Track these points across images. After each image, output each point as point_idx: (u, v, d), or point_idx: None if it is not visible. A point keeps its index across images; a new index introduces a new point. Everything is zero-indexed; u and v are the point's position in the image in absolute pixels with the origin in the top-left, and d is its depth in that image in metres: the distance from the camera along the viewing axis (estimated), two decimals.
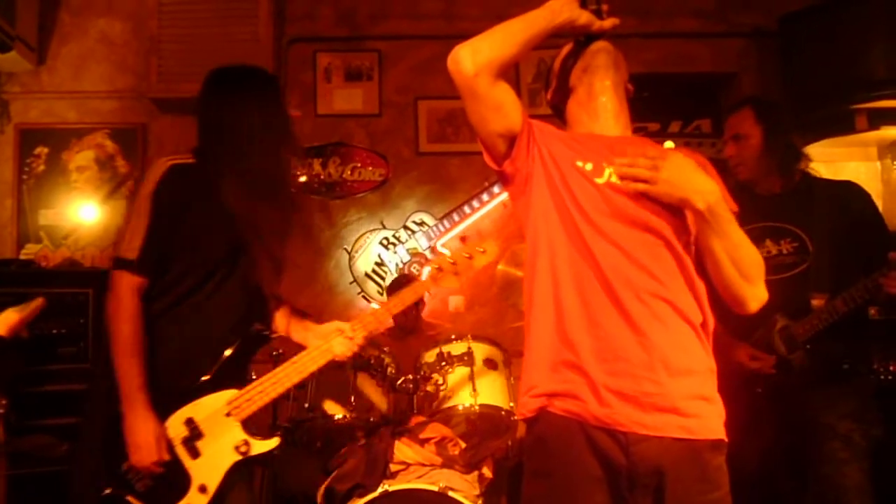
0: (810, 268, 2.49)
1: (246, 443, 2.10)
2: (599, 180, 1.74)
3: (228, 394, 2.11)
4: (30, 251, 4.46)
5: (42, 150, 4.66)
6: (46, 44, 4.73)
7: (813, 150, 3.01)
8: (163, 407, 2.06)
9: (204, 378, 2.11)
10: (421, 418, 3.01)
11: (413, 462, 2.82)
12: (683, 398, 1.58)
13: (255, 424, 2.16)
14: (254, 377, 2.20)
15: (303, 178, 4.74)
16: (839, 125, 4.12)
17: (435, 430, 2.92)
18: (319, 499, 2.91)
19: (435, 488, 2.60)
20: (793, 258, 2.53)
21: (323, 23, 4.85)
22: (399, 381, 3.16)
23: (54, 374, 3.36)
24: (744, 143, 2.65)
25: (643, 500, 1.57)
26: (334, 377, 3.06)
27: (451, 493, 2.59)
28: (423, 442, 2.87)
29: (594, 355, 1.61)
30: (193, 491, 2.06)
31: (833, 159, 4.62)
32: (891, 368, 3.33)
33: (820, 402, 2.42)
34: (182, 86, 4.46)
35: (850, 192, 2.62)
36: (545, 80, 2.04)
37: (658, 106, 4.93)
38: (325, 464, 3.03)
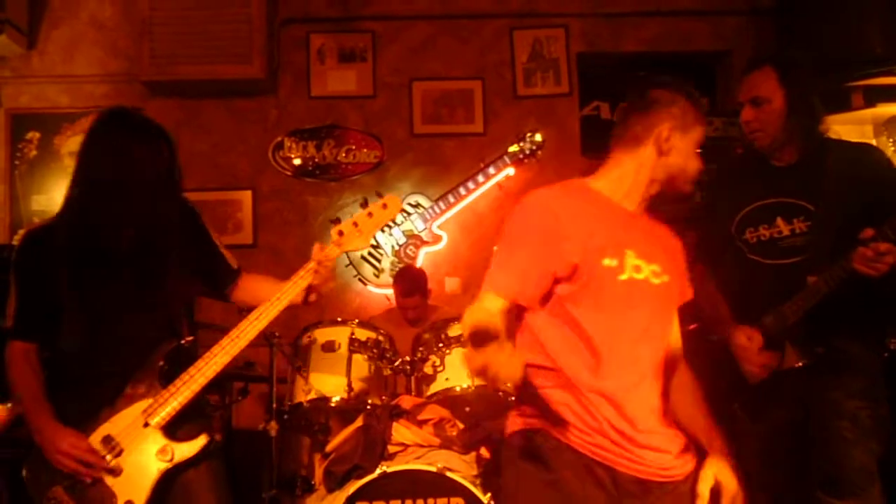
0: (816, 244, 2.34)
1: (168, 448, 2.05)
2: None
3: (142, 404, 2.07)
4: None
5: (34, 135, 4.63)
6: (37, 27, 4.68)
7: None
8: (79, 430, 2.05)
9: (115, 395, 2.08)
10: (419, 400, 3.01)
11: (411, 443, 2.82)
12: None
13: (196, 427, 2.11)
14: None
15: (297, 161, 4.72)
16: (835, 102, 4.10)
17: (433, 412, 2.92)
18: (317, 480, 2.92)
19: (433, 469, 2.60)
20: (804, 238, 2.37)
21: (316, 3, 4.81)
22: (396, 363, 3.16)
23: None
24: (765, 108, 2.38)
25: None
26: (331, 360, 3.06)
27: (448, 474, 2.60)
28: (420, 423, 2.87)
29: None
30: None
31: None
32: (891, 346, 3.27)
33: (827, 379, 2.33)
34: (174, 68, 4.44)
35: (867, 158, 2.44)
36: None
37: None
38: (323, 446, 3.04)
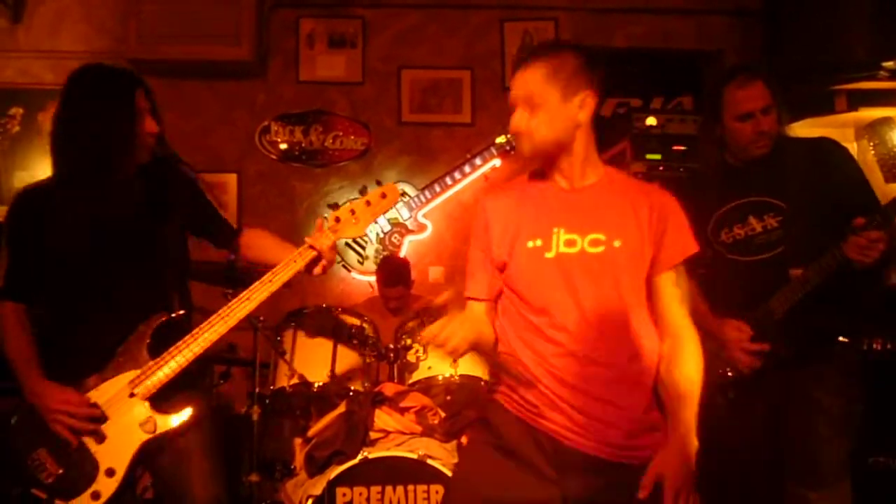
0: (791, 238, 2.43)
1: (151, 420, 2.07)
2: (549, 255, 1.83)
3: (130, 374, 2.08)
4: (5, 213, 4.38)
5: (17, 111, 4.58)
6: (22, 2, 4.62)
7: (791, 130, 2.97)
8: None
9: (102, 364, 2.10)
10: (401, 387, 3.03)
11: (393, 430, 2.83)
12: None
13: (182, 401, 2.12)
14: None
15: (283, 146, 4.71)
16: (819, 105, 4.15)
17: (415, 400, 2.94)
18: (298, 465, 2.93)
19: (414, 456, 2.61)
20: (777, 234, 2.46)
21: None
22: (380, 351, 3.18)
23: None
24: (772, 117, 2.47)
25: None
26: (315, 345, 3.08)
27: (429, 461, 2.61)
28: (402, 411, 2.89)
29: None
30: (101, 476, 2.05)
31: None
32: (875, 347, 3.34)
33: (805, 376, 2.39)
34: (161, 48, 4.40)
35: (826, 151, 2.52)
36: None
37: (640, 81, 4.94)
38: (304, 431, 3.04)
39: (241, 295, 2.17)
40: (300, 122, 4.73)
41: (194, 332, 2.12)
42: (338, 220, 2.26)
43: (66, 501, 2.03)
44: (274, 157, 4.72)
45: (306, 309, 3.20)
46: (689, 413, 1.78)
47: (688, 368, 1.82)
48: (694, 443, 1.76)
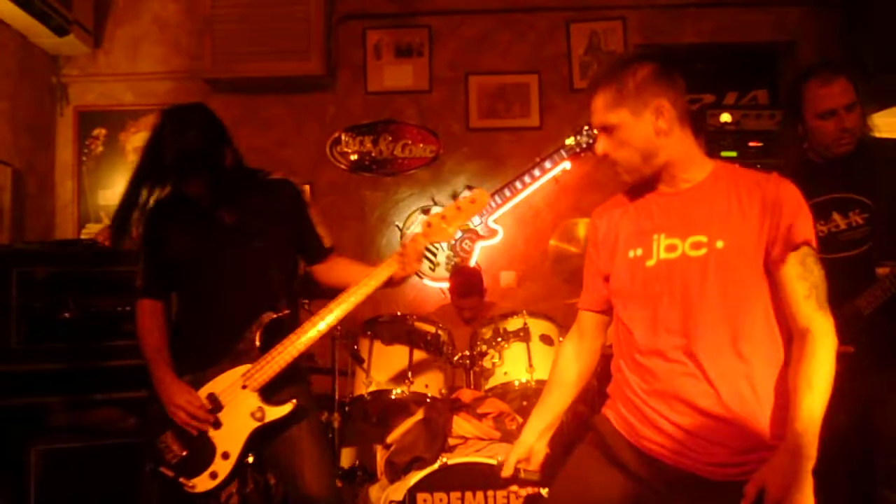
0: (878, 235, 2.37)
1: (261, 409, 2.26)
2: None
3: (243, 368, 2.28)
4: (90, 230, 4.57)
5: (100, 132, 4.77)
6: (102, 27, 4.81)
7: (874, 119, 2.88)
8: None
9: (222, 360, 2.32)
10: (478, 393, 3.02)
11: (471, 436, 2.84)
12: None
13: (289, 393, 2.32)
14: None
15: (354, 157, 4.77)
16: None
17: (492, 406, 2.94)
18: (379, 470, 2.95)
19: (493, 462, 2.62)
20: (864, 231, 2.41)
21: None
22: (456, 357, 3.18)
23: (119, 350, 3.42)
24: (857, 113, 2.44)
25: None
26: (391, 353, 3.10)
27: (496, 464, 2.60)
28: (480, 417, 2.89)
29: None
30: (217, 458, 2.27)
31: (894, 129, 4.48)
32: None
33: (892, 377, 2.33)
34: (235, 66, 4.52)
35: None
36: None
37: (713, 77, 4.83)
38: (383, 437, 3.07)
39: (340, 296, 2.33)
40: (370, 132, 4.78)
41: (298, 330, 2.30)
42: (430, 224, 2.36)
43: (189, 479, 2.26)
44: (344, 167, 4.78)
45: (381, 317, 3.23)
46: (804, 421, 1.58)
47: (806, 371, 1.62)
48: (808, 454, 1.56)
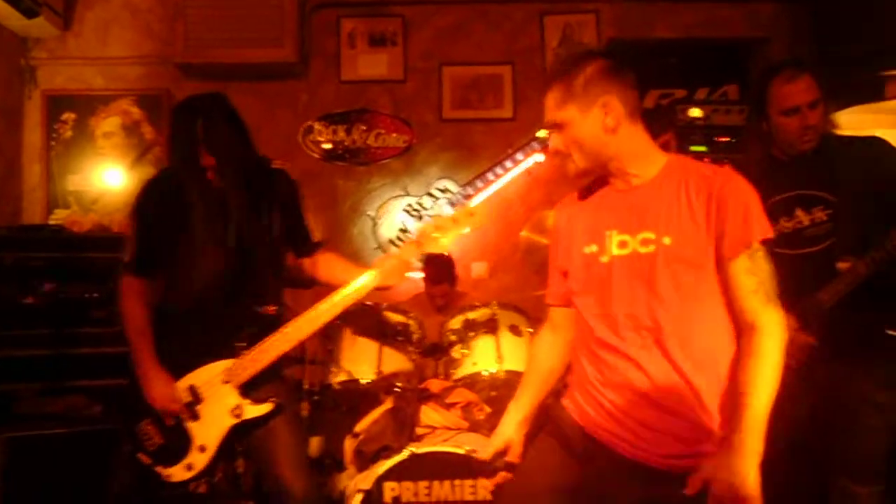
0: (840, 231, 2.40)
1: (240, 407, 2.26)
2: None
3: (225, 363, 2.28)
4: (59, 216, 4.50)
5: (69, 116, 4.69)
6: (72, 9, 4.73)
7: (840, 117, 2.92)
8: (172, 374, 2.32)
9: (203, 353, 2.32)
10: (447, 383, 3.04)
11: (439, 426, 2.86)
12: None
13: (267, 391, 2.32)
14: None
15: (327, 146, 4.75)
16: (868, 92, 4.05)
17: (460, 395, 2.96)
18: (347, 459, 2.97)
19: (461, 451, 2.63)
20: (826, 227, 2.44)
21: None
22: (425, 348, 3.20)
23: (88, 337, 3.42)
24: (820, 111, 2.46)
25: None
26: (361, 343, 3.11)
27: (476, 456, 2.63)
28: (449, 406, 2.91)
29: None
30: (194, 450, 2.28)
31: (861, 126, 4.55)
32: None
33: (853, 369, 2.36)
34: (207, 51, 4.47)
35: (878, 149, 2.49)
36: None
37: (684, 72, 4.87)
38: (352, 426, 3.08)
39: (328, 297, 2.34)
40: (343, 121, 4.76)
41: (282, 330, 2.29)
42: (424, 234, 2.36)
43: (165, 468, 2.29)
44: (317, 156, 4.77)
45: (353, 307, 3.22)
46: (749, 417, 1.59)
47: (751, 368, 1.64)
48: (752, 449, 1.58)
